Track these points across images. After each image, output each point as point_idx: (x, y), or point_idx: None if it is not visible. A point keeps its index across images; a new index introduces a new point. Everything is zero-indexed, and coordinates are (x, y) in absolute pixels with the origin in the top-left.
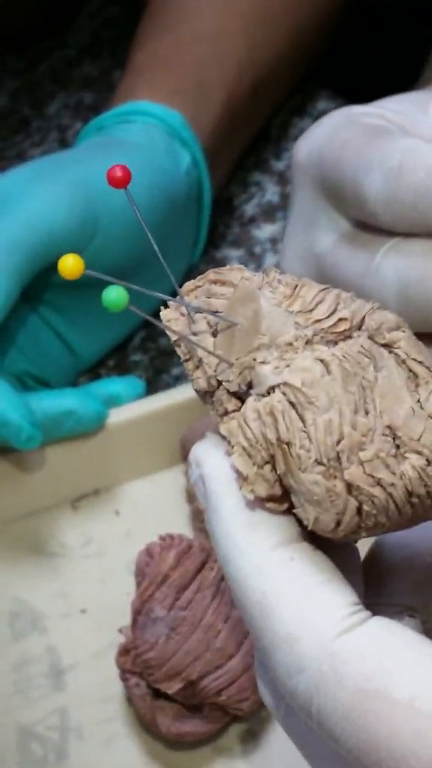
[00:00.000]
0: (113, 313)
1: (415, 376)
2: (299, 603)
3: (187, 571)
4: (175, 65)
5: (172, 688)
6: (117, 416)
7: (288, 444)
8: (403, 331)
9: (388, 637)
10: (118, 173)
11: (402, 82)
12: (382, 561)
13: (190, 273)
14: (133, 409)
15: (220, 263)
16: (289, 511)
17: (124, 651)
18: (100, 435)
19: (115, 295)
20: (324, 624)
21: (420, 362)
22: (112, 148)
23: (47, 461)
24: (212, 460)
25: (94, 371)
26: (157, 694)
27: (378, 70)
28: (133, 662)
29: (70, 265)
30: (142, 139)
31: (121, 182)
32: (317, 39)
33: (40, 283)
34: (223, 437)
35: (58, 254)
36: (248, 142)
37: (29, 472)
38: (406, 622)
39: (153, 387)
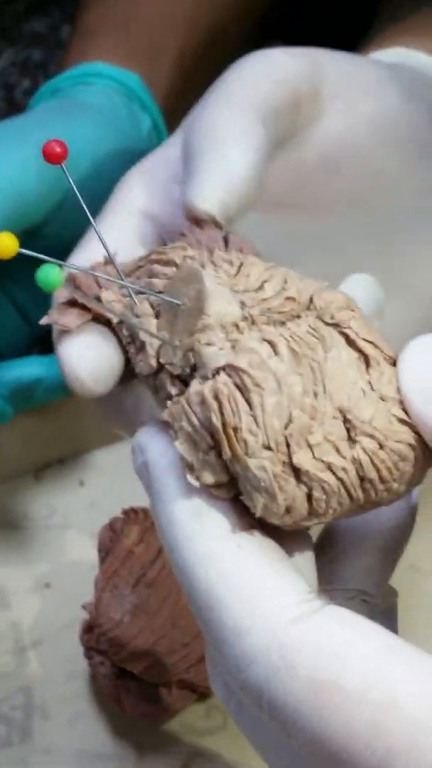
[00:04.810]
0: None
1: (366, 357)
2: (248, 592)
3: (151, 548)
4: (128, 27)
5: (138, 667)
6: None
7: (234, 429)
8: (353, 311)
9: (341, 626)
10: (56, 149)
11: (355, 39)
12: (332, 546)
13: None
14: None
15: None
16: (237, 498)
17: (88, 628)
18: (64, 403)
19: (48, 274)
20: (274, 613)
21: (370, 342)
22: (75, 111)
23: (9, 430)
24: (156, 447)
25: (44, 344)
26: (122, 672)
27: (331, 27)
28: (97, 640)
29: (4, 245)
30: (103, 101)
31: (57, 158)
32: None
33: None
34: (167, 422)
35: (30, 220)
36: None
37: None
38: (359, 607)
39: None
